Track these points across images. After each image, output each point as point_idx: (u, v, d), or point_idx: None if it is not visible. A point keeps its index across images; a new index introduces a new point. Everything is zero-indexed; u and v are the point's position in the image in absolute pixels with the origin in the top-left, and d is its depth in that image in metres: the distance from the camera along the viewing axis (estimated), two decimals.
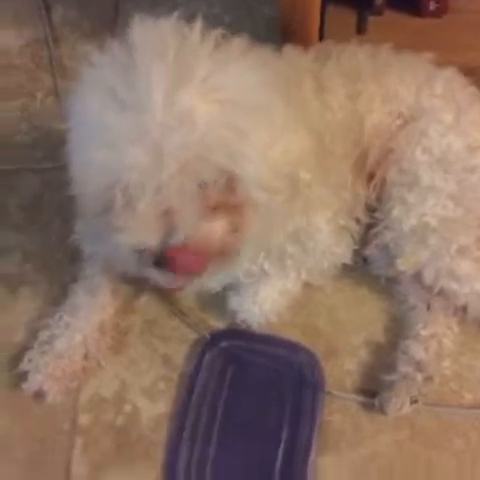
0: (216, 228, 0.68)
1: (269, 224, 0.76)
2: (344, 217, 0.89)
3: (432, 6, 1.13)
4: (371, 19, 1.15)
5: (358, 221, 0.92)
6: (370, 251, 0.92)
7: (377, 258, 0.93)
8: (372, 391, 0.88)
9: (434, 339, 0.88)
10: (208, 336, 0.93)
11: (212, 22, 0.70)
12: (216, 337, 0.92)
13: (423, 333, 0.88)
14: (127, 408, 0.89)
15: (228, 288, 0.92)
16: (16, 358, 0.91)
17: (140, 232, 0.66)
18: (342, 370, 0.90)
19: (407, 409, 0.84)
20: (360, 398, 0.88)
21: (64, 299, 0.94)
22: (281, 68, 0.81)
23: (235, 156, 0.64)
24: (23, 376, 0.88)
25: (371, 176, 0.91)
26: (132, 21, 0.68)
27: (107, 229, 0.69)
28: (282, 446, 0.84)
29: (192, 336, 0.94)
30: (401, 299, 0.94)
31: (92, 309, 0.91)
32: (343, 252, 0.91)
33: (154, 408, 0.88)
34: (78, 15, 1.34)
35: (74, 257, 0.98)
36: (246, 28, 1.16)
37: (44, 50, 1.29)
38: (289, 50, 0.91)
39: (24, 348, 0.91)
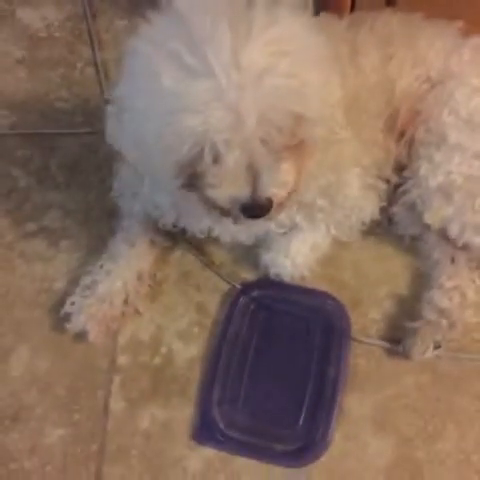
0: (290, 168, 0.73)
1: (322, 165, 0.81)
2: (372, 175, 0.93)
3: None
4: None
5: (387, 181, 0.96)
6: (397, 209, 0.96)
7: (403, 216, 0.97)
8: (396, 338, 0.92)
9: (457, 290, 0.91)
10: (239, 286, 0.97)
11: None
12: (247, 287, 0.97)
13: (447, 284, 0.92)
14: (163, 350, 0.94)
15: (259, 245, 0.96)
16: (57, 303, 0.97)
17: (232, 186, 0.71)
18: (367, 319, 0.95)
19: (430, 353, 0.88)
20: (384, 344, 0.92)
21: (103, 251, 0.99)
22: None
23: (302, 100, 0.68)
24: (66, 318, 0.94)
25: (401, 135, 0.95)
26: None
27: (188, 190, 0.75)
28: (310, 387, 0.88)
29: (224, 286, 0.98)
30: (425, 255, 0.98)
31: (131, 257, 0.96)
32: (371, 208, 0.95)
33: (188, 350, 0.93)
34: None
35: (111, 213, 1.04)
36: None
37: (83, 24, 1.33)
38: (324, 17, 0.95)
39: (65, 294, 0.97)
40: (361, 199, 0.93)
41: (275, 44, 0.67)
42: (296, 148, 0.73)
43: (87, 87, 1.24)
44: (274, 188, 0.72)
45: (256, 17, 0.68)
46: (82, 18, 1.35)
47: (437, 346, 0.88)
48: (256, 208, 0.73)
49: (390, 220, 1.00)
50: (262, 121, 0.66)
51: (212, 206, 0.75)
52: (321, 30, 0.75)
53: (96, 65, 1.27)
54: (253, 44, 0.66)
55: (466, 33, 0.99)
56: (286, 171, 0.73)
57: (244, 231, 0.92)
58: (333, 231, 0.95)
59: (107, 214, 1.05)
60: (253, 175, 0.70)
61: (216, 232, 0.92)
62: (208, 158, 0.68)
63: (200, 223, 0.91)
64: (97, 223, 1.06)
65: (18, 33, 1.33)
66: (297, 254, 0.94)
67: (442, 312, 0.90)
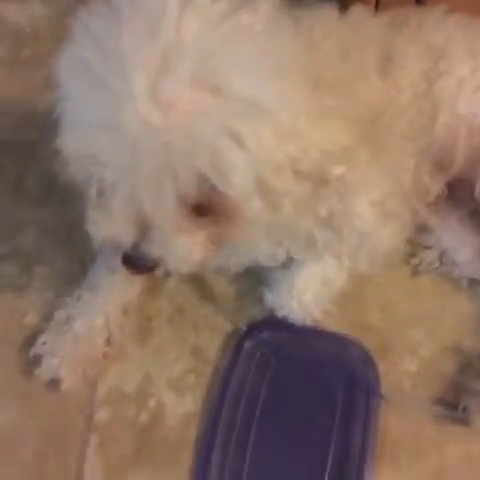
0: (195, 246, 0.61)
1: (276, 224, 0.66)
2: (394, 201, 0.77)
3: None
4: None
5: (415, 212, 0.82)
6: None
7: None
8: (437, 396, 0.77)
9: None
10: (244, 327, 0.83)
11: None
12: (254, 328, 0.82)
13: None
14: (151, 403, 0.79)
15: (264, 283, 0.84)
16: (28, 342, 0.83)
17: (112, 227, 0.60)
18: (399, 370, 0.80)
19: None
20: (423, 404, 0.76)
21: (84, 278, 0.86)
22: (342, 32, 0.72)
23: (222, 167, 0.53)
24: (36, 361, 0.80)
25: (457, 178, 0.83)
26: None
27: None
28: (331, 456, 0.73)
29: (227, 326, 0.84)
30: None
31: (115, 287, 0.83)
32: (389, 239, 0.78)
33: (182, 404, 0.79)
34: None
35: None
36: None
37: (71, 21, 1.23)
38: (357, 11, 0.80)
39: (37, 331, 0.83)
40: (378, 228, 0.76)
41: (211, 79, 0.51)
42: (215, 211, 0.58)
43: None
44: (165, 256, 0.61)
45: (202, 35, 0.52)
46: (70, 15, 1.24)
47: None
48: (136, 265, 0.62)
49: (442, 261, 0.86)
50: (162, 172, 0.53)
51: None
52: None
53: None
54: (182, 73, 0.51)
55: None
56: (184, 246, 0.61)
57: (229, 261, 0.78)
58: (347, 262, 0.79)
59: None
60: (142, 225, 0.59)
61: None
62: (93, 189, 0.57)
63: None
64: (79, 245, 0.90)
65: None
66: (304, 292, 0.80)
67: None
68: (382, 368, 0.79)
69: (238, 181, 0.54)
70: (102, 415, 0.78)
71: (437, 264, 0.86)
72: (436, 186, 0.85)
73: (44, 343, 0.81)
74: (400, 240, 0.80)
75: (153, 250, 0.61)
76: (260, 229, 0.66)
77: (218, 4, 0.54)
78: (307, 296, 0.80)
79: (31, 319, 0.86)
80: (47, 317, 0.84)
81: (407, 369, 0.80)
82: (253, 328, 0.82)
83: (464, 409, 0.74)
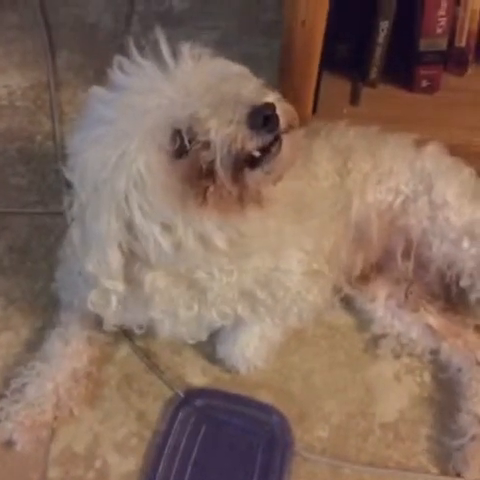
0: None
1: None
2: (319, 261, 0.89)
3: (424, 83, 1.15)
4: (365, 91, 1.17)
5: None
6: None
7: None
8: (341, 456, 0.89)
9: None
10: (182, 394, 0.93)
11: None
12: (191, 395, 0.93)
13: None
14: (97, 463, 0.89)
15: (214, 337, 0.94)
16: None
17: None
18: (312, 436, 0.91)
19: None
20: (328, 460, 0.88)
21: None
22: None
23: None
24: None
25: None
26: None
27: None
28: None
29: (168, 393, 0.94)
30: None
31: (64, 356, 0.92)
32: (315, 299, 0.90)
33: (124, 464, 0.89)
34: (82, 61, 1.36)
35: (58, 304, 0.99)
36: None
37: (47, 93, 1.31)
38: None
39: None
40: (303, 290, 0.87)
41: None
42: None
43: (45, 162, 1.21)
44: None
45: None
46: (46, 87, 1.33)
47: None
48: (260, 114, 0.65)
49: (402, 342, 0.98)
50: None
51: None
52: None
53: (55, 139, 1.24)
54: None
55: (424, 140, 0.99)
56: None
57: (187, 324, 0.86)
58: (278, 322, 0.91)
59: (53, 305, 1.00)
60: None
61: (156, 324, 0.86)
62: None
63: (142, 315, 0.84)
64: (42, 314, 1.01)
65: None
66: (246, 347, 0.93)
67: None
68: (298, 434, 0.90)
69: None
70: (55, 473, 0.87)
71: (399, 347, 0.97)
72: (357, 262, 0.98)
73: (1, 409, 0.89)
74: (321, 301, 0.92)
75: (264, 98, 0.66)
76: None
77: None
78: (249, 350, 0.93)
79: None
80: (6, 384, 0.92)
81: (319, 435, 0.91)
82: (189, 396, 0.93)
83: (454, 466, 0.86)
